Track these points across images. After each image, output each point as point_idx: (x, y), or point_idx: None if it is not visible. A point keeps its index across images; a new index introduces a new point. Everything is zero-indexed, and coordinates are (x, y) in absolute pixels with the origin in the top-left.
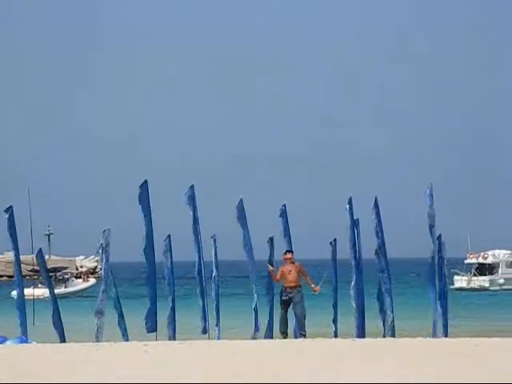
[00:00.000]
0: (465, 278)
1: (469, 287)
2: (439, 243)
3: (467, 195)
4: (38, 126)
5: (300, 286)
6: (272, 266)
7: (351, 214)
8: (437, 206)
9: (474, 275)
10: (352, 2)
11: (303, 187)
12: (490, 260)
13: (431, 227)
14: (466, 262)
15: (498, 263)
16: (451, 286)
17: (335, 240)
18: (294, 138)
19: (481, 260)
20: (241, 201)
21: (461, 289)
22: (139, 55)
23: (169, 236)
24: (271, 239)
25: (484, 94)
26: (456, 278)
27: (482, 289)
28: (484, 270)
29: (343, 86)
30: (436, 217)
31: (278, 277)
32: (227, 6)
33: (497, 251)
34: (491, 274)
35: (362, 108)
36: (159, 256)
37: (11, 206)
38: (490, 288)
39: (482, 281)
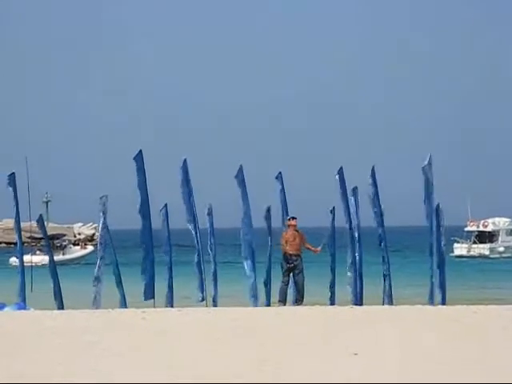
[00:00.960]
0: (464, 245)
1: (468, 255)
2: (437, 212)
3: (468, 164)
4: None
5: (300, 254)
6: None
7: (342, 184)
8: (436, 174)
9: (474, 243)
10: (352, 2)
11: (301, 156)
12: (490, 228)
13: (429, 196)
14: (465, 229)
15: (499, 231)
16: (451, 254)
17: (334, 208)
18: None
19: (481, 228)
20: (240, 168)
21: (461, 256)
22: (138, 55)
23: (165, 205)
24: (268, 209)
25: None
26: (456, 245)
27: (482, 256)
28: (484, 237)
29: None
30: (435, 185)
31: (284, 242)
32: (227, 5)
33: (497, 219)
34: (491, 241)
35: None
36: (155, 223)
37: (13, 173)
38: (490, 256)
39: (482, 248)
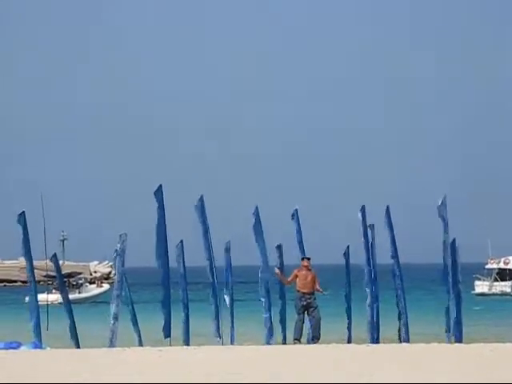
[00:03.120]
0: (486, 283)
1: (490, 292)
2: (453, 248)
3: (488, 201)
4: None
5: (314, 291)
6: (281, 270)
7: (364, 223)
8: (456, 211)
9: (495, 280)
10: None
11: (315, 191)
12: (511, 265)
13: (445, 235)
14: (486, 267)
15: None
16: (472, 292)
17: (348, 247)
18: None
19: (502, 265)
20: (256, 208)
21: (482, 294)
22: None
23: (181, 241)
24: (279, 246)
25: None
26: (477, 283)
27: (504, 294)
28: (505, 275)
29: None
30: (454, 221)
31: (290, 279)
32: (228, 4)
33: None
34: None
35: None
36: (172, 261)
37: (23, 212)
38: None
39: (504, 286)
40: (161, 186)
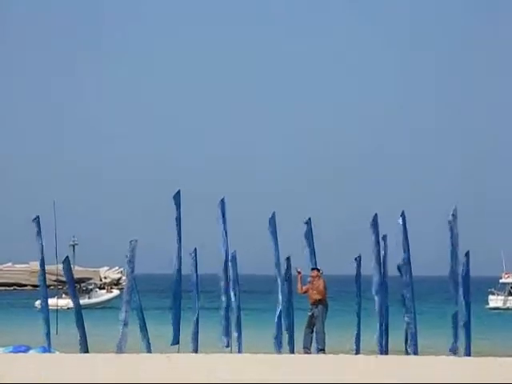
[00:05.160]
0: (500, 297)
1: (505, 307)
2: (467, 260)
3: (501, 214)
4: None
5: (322, 301)
6: (300, 273)
7: (376, 232)
8: (471, 225)
9: (510, 294)
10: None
11: (328, 201)
12: None
13: (454, 247)
14: (500, 281)
15: None
16: (486, 306)
17: (360, 256)
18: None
19: None
20: (273, 215)
21: (496, 308)
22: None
23: (195, 249)
24: (288, 258)
25: None
26: (491, 297)
27: None
28: None
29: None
30: (469, 235)
31: (303, 290)
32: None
33: None
34: None
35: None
36: (184, 269)
37: (38, 216)
38: None
39: None
40: (179, 191)
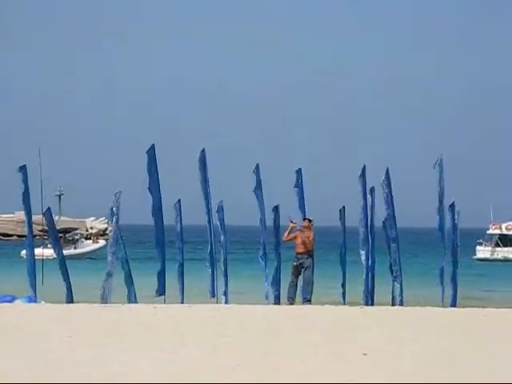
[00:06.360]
0: (488, 248)
1: (492, 258)
2: (452, 211)
3: (490, 165)
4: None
5: (310, 252)
6: (292, 222)
7: (363, 183)
8: (459, 176)
9: (497, 246)
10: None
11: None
12: None
13: (441, 199)
14: (488, 232)
15: None
16: (473, 256)
17: (344, 207)
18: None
19: (504, 231)
20: (257, 167)
21: (484, 259)
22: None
23: (179, 200)
24: (276, 207)
25: None
26: (478, 248)
27: (507, 260)
28: (506, 240)
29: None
30: (457, 186)
31: (289, 237)
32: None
33: None
34: None
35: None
36: (167, 219)
37: (25, 165)
38: None
39: (507, 252)
40: (153, 145)
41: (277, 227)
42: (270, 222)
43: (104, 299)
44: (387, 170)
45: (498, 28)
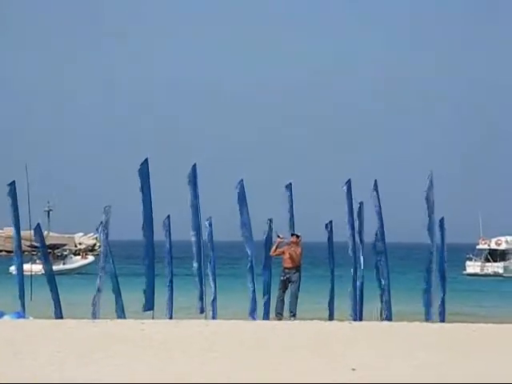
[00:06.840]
0: (477, 263)
1: (482, 273)
2: (441, 227)
3: (479, 181)
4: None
5: (298, 267)
6: (280, 237)
7: (349, 197)
8: (449, 192)
9: (487, 260)
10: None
11: (303, 168)
12: (503, 246)
13: (430, 214)
14: (477, 247)
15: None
16: (463, 272)
17: (331, 222)
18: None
19: (494, 246)
20: (241, 181)
21: (474, 274)
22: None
23: (168, 216)
24: (270, 220)
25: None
26: (468, 263)
27: (496, 275)
28: (496, 255)
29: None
30: (445, 202)
31: (277, 252)
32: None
33: (509, 237)
34: (503, 260)
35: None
36: (157, 235)
37: (14, 182)
38: (504, 274)
39: (497, 267)
40: (146, 159)
41: (269, 240)
42: (258, 237)
43: (93, 314)
44: (375, 182)
45: (498, 28)
